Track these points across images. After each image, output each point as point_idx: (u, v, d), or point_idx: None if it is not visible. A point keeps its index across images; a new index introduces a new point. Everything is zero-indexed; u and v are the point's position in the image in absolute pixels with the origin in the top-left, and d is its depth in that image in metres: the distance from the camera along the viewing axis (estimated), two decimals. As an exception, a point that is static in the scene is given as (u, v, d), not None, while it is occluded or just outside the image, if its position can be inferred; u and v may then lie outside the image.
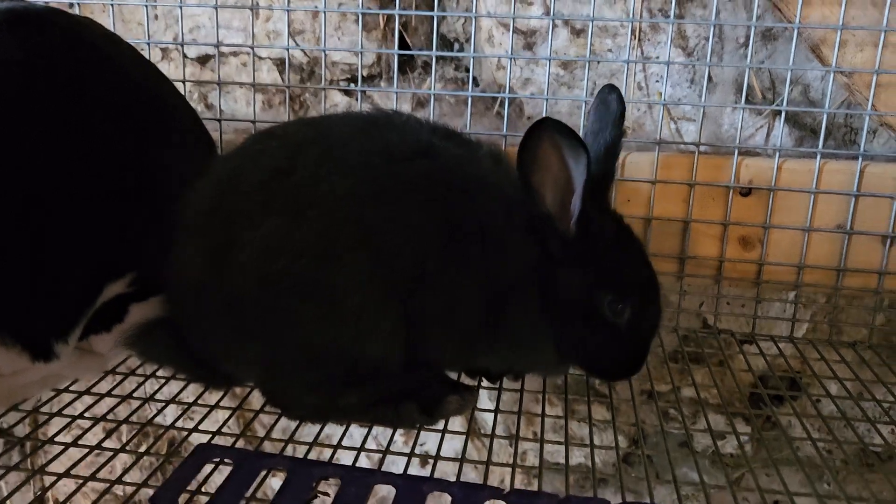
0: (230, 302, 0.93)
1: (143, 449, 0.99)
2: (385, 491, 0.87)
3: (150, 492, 0.80)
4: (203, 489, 0.86)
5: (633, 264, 0.94)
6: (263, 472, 0.90)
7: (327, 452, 0.99)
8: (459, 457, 0.95)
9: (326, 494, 0.87)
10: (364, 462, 0.95)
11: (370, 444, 1.00)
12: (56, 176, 0.98)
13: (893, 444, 1.05)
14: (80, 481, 0.88)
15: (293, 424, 1.02)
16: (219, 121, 1.44)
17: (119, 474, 0.89)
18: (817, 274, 1.31)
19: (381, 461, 0.93)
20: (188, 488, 0.84)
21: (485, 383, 1.12)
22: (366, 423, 1.00)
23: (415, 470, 0.95)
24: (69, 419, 1.04)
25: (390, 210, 0.89)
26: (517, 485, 1.26)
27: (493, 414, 1.06)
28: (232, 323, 0.94)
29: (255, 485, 0.87)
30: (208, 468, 0.90)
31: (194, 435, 1.00)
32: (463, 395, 0.98)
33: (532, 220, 0.90)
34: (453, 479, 0.86)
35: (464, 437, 1.02)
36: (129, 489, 0.87)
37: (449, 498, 0.83)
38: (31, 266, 0.96)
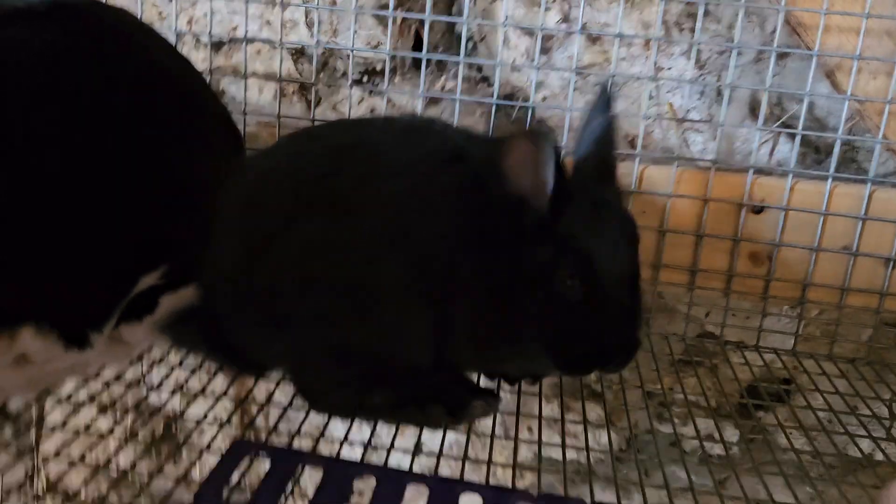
0: (266, 296, 0.96)
1: (139, 432, 1.01)
2: (413, 491, 0.90)
3: (144, 473, 0.81)
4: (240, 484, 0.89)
5: (602, 243, 0.87)
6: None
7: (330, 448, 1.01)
8: (457, 453, 0.98)
9: (360, 494, 0.90)
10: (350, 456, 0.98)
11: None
12: (95, 167, 0.99)
13: (870, 455, 1.11)
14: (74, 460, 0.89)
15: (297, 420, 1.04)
16: (243, 114, 1.45)
17: (112, 454, 0.90)
18: (821, 292, 1.36)
19: (386, 457, 0.97)
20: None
21: (505, 386, 1.15)
22: (392, 422, 1.03)
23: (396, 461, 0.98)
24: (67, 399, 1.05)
25: (430, 215, 0.92)
26: (520, 485, 1.31)
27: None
28: (266, 317, 0.97)
29: (291, 483, 0.89)
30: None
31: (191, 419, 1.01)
32: (488, 399, 1.01)
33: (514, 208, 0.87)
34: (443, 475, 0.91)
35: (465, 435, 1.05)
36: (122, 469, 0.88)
37: (480, 499, 0.87)
38: (72, 257, 0.97)
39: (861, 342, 1.43)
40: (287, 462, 0.91)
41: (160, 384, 1.09)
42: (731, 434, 1.53)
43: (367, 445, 1.00)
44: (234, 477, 0.89)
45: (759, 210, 1.35)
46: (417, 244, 0.91)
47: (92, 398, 0.98)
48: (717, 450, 1.50)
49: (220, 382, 1.12)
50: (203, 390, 1.09)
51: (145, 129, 1.05)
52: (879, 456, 1.17)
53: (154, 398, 1.03)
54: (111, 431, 0.90)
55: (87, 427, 0.91)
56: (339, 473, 0.90)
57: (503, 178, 0.84)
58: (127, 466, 0.85)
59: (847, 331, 1.42)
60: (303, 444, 0.98)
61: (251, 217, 1.00)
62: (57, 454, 0.88)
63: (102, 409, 0.96)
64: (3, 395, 1.02)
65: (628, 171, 1.37)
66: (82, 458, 0.84)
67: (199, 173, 1.14)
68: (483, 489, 0.88)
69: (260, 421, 1.21)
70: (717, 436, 1.08)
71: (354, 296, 0.92)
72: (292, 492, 0.89)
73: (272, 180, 1.01)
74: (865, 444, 1.11)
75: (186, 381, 1.12)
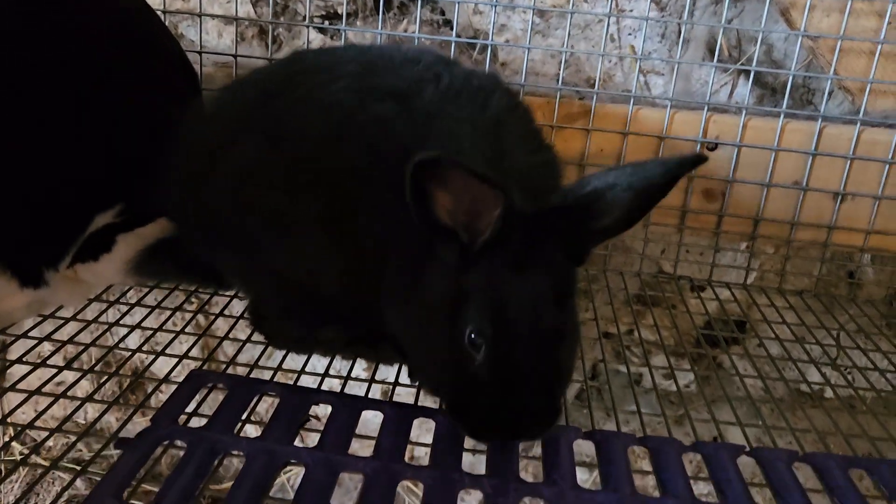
0: (207, 217, 0.98)
1: (105, 378, 1.02)
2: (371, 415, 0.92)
3: (113, 420, 0.82)
4: (199, 411, 0.91)
5: (520, 298, 0.77)
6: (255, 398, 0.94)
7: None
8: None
9: (317, 418, 0.92)
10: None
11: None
12: (46, 107, 0.98)
13: (824, 384, 1.15)
14: (40, 408, 0.89)
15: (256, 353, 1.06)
16: (199, 53, 1.43)
17: (80, 402, 0.91)
18: (773, 227, 1.39)
19: (344, 386, 0.99)
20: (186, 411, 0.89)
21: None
22: (347, 357, 1.05)
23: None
24: (34, 342, 1.06)
25: (344, 154, 0.88)
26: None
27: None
28: (210, 236, 1.00)
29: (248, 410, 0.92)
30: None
31: (159, 362, 1.03)
32: None
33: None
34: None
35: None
36: (91, 417, 0.89)
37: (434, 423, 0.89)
38: (24, 195, 0.97)
39: (811, 275, 1.47)
40: (244, 390, 0.93)
41: (120, 322, 1.10)
42: (687, 373, 1.57)
43: (323, 375, 1.02)
44: (193, 405, 0.91)
45: (713, 147, 1.37)
46: (329, 183, 0.88)
47: (56, 350, 0.99)
48: (674, 387, 1.55)
49: (179, 320, 1.13)
50: (162, 326, 1.10)
51: (99, 69, 1.04)
52: (829, 393, 1.21)
53: (114, 341, 1.03)
54: (76, 383, 0.91)
55: (52, 379, 0.91)
56: (295, 400, 0.92)
57: (425, 195, 0.73)
58: (94, 418, 0.85)
59: (798, 265, 1.46)
60: (263, 376, 1.00)
61: (202, 133, 1.00)
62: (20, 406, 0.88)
63: (68, 363, 0.96)
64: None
65: (587, 110, 1.38)
66: (47, 409, 0.85)
67: (153, 114, 1.13)
68: (435, 412, 0.91)
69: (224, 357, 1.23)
70: (673, 374, 1.11)
71: (277, 226, 0.92)
72: (249, 418, 0.91)
73: (227, 98, 1.02)
74: (818, 377, 1.15)
75: (143, 319, 1.13)
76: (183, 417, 0.87)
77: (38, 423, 0.87)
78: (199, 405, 0.92)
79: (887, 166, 1.34)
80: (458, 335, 0.77)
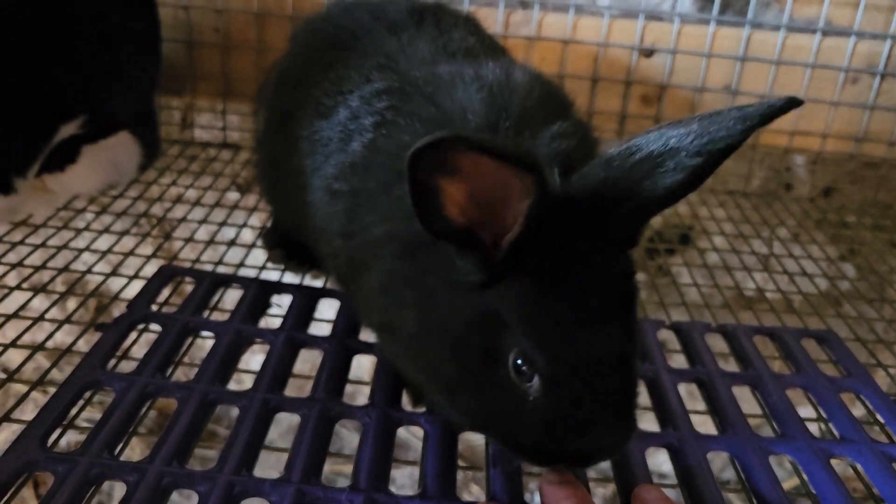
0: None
1: (71, 303, 1.06)
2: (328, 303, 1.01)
3: (85, 345, 0.86)
4: (169, 302, 0.99)
5: (576, 314, 0.62)
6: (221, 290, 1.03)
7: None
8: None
9: (279, 305, 1.01)
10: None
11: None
12: (8, 17, 1.01)
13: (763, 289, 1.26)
14: (9, 337, 0.89)
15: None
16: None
17: (50, 331, 0.92)
18: (705, 130, 1.48)
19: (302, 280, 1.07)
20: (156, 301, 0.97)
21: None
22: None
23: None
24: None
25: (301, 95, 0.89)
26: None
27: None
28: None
29: (214, 299, 1.00)
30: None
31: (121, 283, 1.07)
32: None
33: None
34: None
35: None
36: (60, 343, 0.94)
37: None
38: (-10, 104, 1.02)
39: (745, 176, 1.57)
40: (209, 283, 1.01)
41: (90, 248, 1.14)
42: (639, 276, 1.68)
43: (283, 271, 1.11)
44: (162, 297, 0.99)
45: (649, 54, 1.45)
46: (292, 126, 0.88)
47: (25, 279, 1.03)
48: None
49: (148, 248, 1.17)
50: (132, 252, 1.16)
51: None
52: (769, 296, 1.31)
53: (82, 268, 1.06)
54: (46, 311, 0.96)
55: (22, 307, 0.96)
56: (257, 290, 1.01)
57: (430, 190, 0.57)
58: (65, 344, 0.90)
59: (730, 167, 1.56)
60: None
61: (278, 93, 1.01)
62: None
63: (36, 291, 1.00)
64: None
65: (527, 20, 1.44)
66: (19, 337, 0.89)
67: (109, 26, 1.17)
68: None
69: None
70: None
71: (271, 166, 1.01)
72: (214, 307, 0.99)
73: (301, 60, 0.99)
74: (752, 283, 1.26)
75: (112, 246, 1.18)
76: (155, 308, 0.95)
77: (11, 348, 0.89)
78: (168, 297, 1.00)
79: (810, 70, 1.43)
80: (497, 363, 0.63)
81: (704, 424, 0.83)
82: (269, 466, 0.75)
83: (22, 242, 1.13)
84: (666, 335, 1.02)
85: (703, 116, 0.61)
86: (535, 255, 0.60)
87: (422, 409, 0.82)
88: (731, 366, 0.95)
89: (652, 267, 1.63)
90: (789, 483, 0.80)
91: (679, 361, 0.96)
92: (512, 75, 0.75)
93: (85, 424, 0.76)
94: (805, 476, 0.77)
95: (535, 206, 0.57)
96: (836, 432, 0.84)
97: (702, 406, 0.89)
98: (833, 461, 0.78)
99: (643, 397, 0.86)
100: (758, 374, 0.92)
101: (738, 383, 0.91)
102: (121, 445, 0.72)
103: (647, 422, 0.82)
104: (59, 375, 0.82)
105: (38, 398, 0.80)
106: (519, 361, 0.61)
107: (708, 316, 1.11)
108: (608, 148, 0.64)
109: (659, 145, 0.61)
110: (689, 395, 0.89)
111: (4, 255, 1.09)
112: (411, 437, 1.62)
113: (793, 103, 0.61)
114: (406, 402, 0.84)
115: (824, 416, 0.88)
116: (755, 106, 0.60)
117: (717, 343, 1.02)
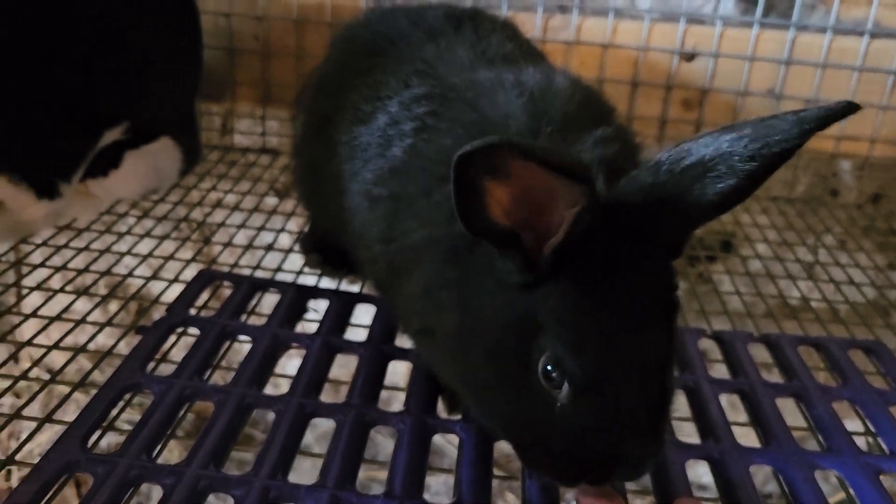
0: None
1: (113, 306, 1.08)
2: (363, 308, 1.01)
3: (126, 347, 0.88)
4: (207, 305, 1.00)
5: (615, 322, 0.60)
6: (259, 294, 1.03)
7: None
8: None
9: (315, 310, 1.01)
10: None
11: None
12: (53, 30, 1.04)
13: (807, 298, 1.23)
14: (53, 339, 0.92)
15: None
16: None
17: (92, 333, 0.94)
18: (747, 134, 1.45)
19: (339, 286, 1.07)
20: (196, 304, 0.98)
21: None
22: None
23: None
24: (51, 270, 1.10)
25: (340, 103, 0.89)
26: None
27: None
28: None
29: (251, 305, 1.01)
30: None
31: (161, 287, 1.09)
32: None
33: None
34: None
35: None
36: (101, 345, 0.95)
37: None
38: (39, 111, 1.04)
39: (789, 182, 1.54)
40: (247, 287, 1.02)
41: (131, 251, 1.16)
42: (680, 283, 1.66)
43: (320, 276, 1.11)
44: (201, 301, 1.00)
45: (690, 57, 1.42)
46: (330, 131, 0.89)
47: (68, 282, 1.05)
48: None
49: (188, 252, 1.19)
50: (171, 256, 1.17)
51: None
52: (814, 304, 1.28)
53: (124, 272, 1.08)
54: (89, 314, 0.97)
55: (65, 310, 0.98)
56: (294, 295, 1.01)
57: (475, 192, 0.57)
58: (103, 344, 0.91)
59: (780, 172, 1.53)
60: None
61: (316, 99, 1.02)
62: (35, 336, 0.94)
63: (79, 294, 1.02)
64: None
65: (566, 24, 1.43)
66: (62, 339, 0.89)
67: (152, 35, 1.19)
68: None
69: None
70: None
71: (308, 171, 1.03)
72: (252, 311, 1.00)
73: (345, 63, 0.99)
74: (796, 292, 1.23)
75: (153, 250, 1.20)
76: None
77: (54, 350, 0.91)
78: (207, 301, 1.01)
79: (857, 73, 1.39)
80: (529, 368, 0.61)
81: (747, 437, 0.81)
82: (304, 471, 0.76)
83: (66, 246, 1.15)
84: (707, 344, 1.00)
85: (757, 120, 0.59)
86: (577, 260, 0.59)
87: (457, 417, 0.81)
88: (775, 376, 0.93)
89: (692, 274, 1.60)
90: (835, 498, 0.78)
91: (721, 371, 0.94)
92: (553, 80, 0.74)
93: (125, 426, 0.77)
94: (852, 491, 0.74)
95: (582, 214, 0.56)
96: (884, 447, 0.81)
97: (744, 418, 0.86)
98: (882, 477, 0.76)
99: (683, 408, 0.85)
100: (803, 386, 0.89)
101: (781, 395, 0.88)
102: (159, 447, 0.73)
103: (688, 433, 0.80)
104: (100, 377, 0.84)
105: (80, 399, 0.82)
106: (549, 367, 0.60)
107: (750, 325, 1.08)
108: (650, 154, 0.63)
109: (710, 150, 0.59)
110: (731, 407, 0.87)
111: (49, 258, 1.11)
112: (446, 443, 1.61)
113: (851, 108, 0.59)
114: (441, 409, 0.83)
115: (872, 429, 0.85)
116: (812, 109, 0.58)
117: (760, 353, 0.99)
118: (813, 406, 0.86)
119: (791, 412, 0.87)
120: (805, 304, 1.20)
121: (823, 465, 0.77)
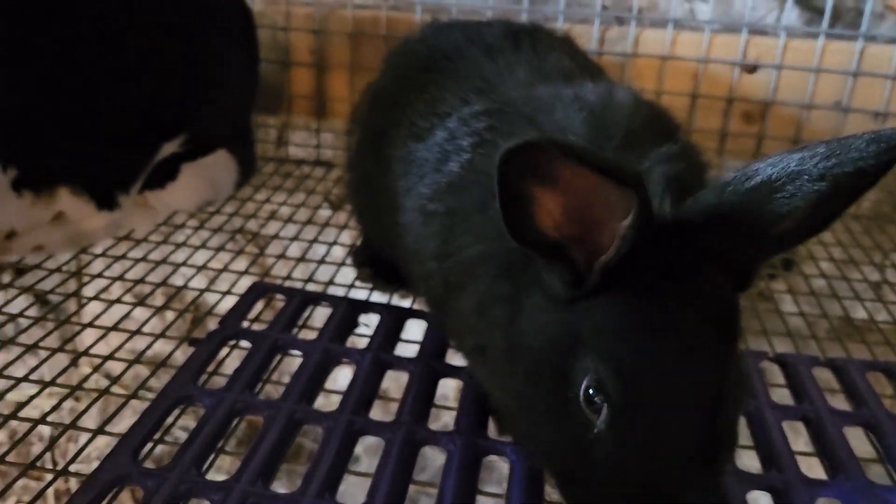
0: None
1: (169, 315, 1.09)
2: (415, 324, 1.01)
3: (181, 356, 0.90)
4: (260, 318, 1.00)
5: (664, 349, 0.56)
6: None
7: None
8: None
9: (366, 325, 1.01)
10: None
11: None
12: (114, 44, 1.06)
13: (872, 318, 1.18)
14: (111, 345, 0.94)
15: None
16: (251, -9, 1.49)
17: (148, 342, 0.96)
18: (812, 149, 1.40)
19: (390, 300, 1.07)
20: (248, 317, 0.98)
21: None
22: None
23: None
24: (108, 280, 1.12)
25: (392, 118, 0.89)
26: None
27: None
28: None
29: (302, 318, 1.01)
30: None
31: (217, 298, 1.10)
32: None
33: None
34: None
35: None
36: (158, 352, 0.97)
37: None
38: (100, 124, 1.07)
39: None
40: (299, 300, 1.02)
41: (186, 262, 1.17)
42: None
43: (371, 289, 1.11)
44: (254, 313, 1.01)
45: (752, 69, 1.38)
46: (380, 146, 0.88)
47: (126, 291, 1.07)
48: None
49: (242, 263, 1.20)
50: (225, 268, 1.18)
51: (160, 7, 1.12)
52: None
53: (180, 282, 1.09)
54: (146, 323, 0.99)
55: (123, 319, 1.00)
56: (346, 309, 1.01)
57: (521, 198, 0.54)
58: (160, 352, 0.93)
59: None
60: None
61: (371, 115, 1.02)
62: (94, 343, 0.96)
63: (136, 304, 1.04)
64: (46, 251, 1.13)
65: (623, 36, 1.40)
66: (119, 348, 0.91)
67: (210, 48, 1.21)
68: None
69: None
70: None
71: (362, 186, 1.02)
72: (304, 325, 1.00)
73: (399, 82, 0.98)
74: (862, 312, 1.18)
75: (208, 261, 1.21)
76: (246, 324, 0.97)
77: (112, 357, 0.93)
78: (260, 313, 1.02)
79: (931, 85, 1.34)
80: (570, 391, 0.57)
81: (812, 468, 0.77)
82: (352, 484, 0.75)
83: (124, 256, 1.17)
84: (768, 367, 0.97)
85: (832, 139, 0.56)
86: (628, 275, 0.56)
87: (508, 438, 0.79)
88: (841, 402, 0.88)
89: (752, 292, 1.55)
90: (907, 536, 0.74)
91: (783, 396, 0.90)
92: (614, 95, 0.72)
93: (179, 433, 0.77)
94: (926, 530, 0.71)
95: (635, 228, 0.53)
96: (962, 482, 0.76)
97: (807, 446, 0.83)
98: (959, 514, 0.71)
99: (744, 434, 0.81)
100: (872, 414, 0.85)
101: (849, 423, 0.84)
102: (209, 462, 0.73)
103: (748, 461, 0.77)
104: (156, 383, 0.85)
105: (137, 405, 0.83)
106: (591, 391, 0.55)
107: (813, 346, 1.04)
108: (718, 173, 0.60)
109: (778, 169, 0.56)
110: (793, 433, 0.84)
111: (108, 267, 1.13)
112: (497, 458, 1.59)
113: None
114: (493, 430, 0.82)
115: (949, 463, 0.80)
116: (892, 128, 0.55)
117: (824, 375, 0.95)
118: (884, 436, 0.82)
119: (860, 441, 0.83)
120: (871, 324, 1.15)
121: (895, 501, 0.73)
